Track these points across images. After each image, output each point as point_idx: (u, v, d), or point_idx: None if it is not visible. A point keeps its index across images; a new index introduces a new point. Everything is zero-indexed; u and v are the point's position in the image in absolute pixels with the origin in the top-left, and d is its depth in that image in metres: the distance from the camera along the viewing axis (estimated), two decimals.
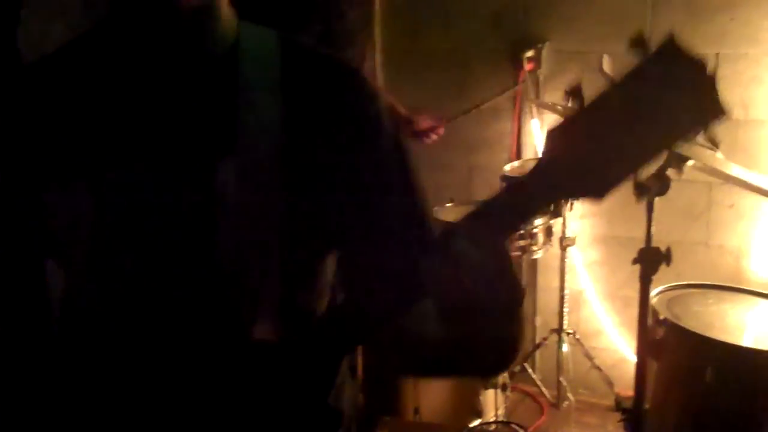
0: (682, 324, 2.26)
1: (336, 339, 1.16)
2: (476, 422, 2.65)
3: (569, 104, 1.04)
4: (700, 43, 3.55)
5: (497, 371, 1.21)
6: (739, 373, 2.19)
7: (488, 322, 1.09)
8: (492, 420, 2.78)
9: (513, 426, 2.74)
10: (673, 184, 3.69)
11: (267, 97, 1.12)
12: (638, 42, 1.01)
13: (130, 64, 1.14)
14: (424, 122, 3.44)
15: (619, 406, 1.97)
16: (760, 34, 3.45)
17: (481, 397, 2.77)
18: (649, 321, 2.33)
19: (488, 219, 1.04)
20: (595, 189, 1.02)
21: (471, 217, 1.06)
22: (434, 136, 3.44)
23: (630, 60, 1.02)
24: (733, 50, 3.50)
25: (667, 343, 2.28)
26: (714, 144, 1.09)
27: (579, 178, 1.02)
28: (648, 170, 1.86)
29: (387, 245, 1.16)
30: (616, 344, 3.86)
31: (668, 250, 1.76)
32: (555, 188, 1.03)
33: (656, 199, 3.61)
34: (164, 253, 1.12)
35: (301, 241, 1.14)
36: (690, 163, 2.04)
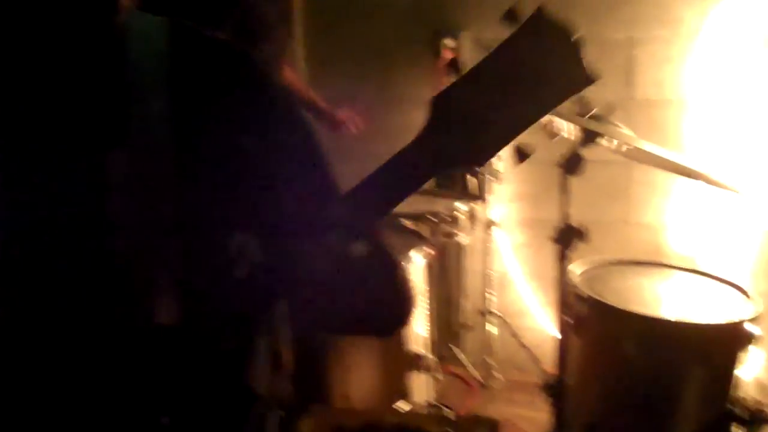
0: (602, 299, 2.31)
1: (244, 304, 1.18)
2: (405, 405, 2.67)
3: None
4: (613, 27, 3.65)
5: (390, 332, 1.25)
6: (658, 344, 2.25)
7: (369, 293, 1.14)
8: (422, 402, 2.80)
9: (442, 407, 2.77)
10: (593, 164, 3.78)
11: (157, 83, 1.11)
12: (510, 15, 1.06)
13: (22, 47, 1.12)
14: (344, 114, 3.46)
15: (545, 383, 2.01)
16: (672, 16, 3.54)
17: (409, 381, 2.79)
18: (571, 298, 2.39)
19: (372, 192, 1.07)
20: (473, 157, 1.05)
21: (354, 192, 1.09)
22: (355, 127, 3.46)
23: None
24: (647, 33, 3.58)
25: (589, 319, 2.33)
26: (587, 111, 1.13)
27: (457, 147, 1.05)
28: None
29: (284, 225, 1.18)
30: (542, 323, 3.93)
31: (583, 227, 1.80)
32: (435, 158, 1.06)
33: (578, 179, 3.73)
34: (57, 243, 1.11)
35: (200, 225, 1.15)
36: (605, 143, 2.10)
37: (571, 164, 1.78)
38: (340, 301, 1.19)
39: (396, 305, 1.23)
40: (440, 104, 1.11)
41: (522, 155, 1.26)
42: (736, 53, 3.47)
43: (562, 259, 1.81)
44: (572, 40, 1.04)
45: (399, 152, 1.12)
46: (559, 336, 2.01)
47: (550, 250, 1.99)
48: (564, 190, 1.79)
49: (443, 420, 2.14)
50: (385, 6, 3.95)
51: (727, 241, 3.63)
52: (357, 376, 2.68)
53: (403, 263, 1.22)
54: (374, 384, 2.74)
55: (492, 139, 1.05)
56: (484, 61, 1.07)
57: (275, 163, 1.19)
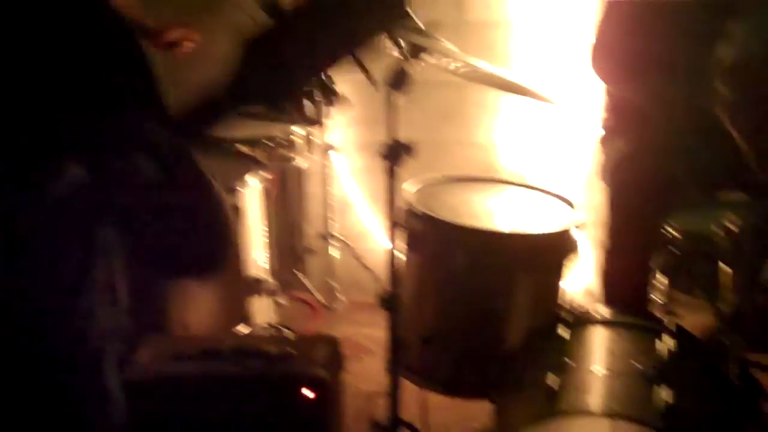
0: (433, 214, 2.36)
1: None
2: (245, 329, 2.67)
3: None
4: None
5: (212, 265, 1.24)
6: (487, 255, 2.32)
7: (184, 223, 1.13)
8: (263, 326, 2.81)
9: (282, 328, 2.79)
10: (427, 86, 3.83)
11: None
12: None
13: None
14: (174, 33, 3.34)
15: (380, 297, 2.04)
16: None
17: (250, 306, 2.79)
18: (405, 216, 2.43)
19: (186, 117, 1.06)
20: (282, 97, 1.06)
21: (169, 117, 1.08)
22: (188, 45, 3.34)
23: None
24: None
25: (422, 235, 2.37)
26: (412, 27, 1.15)
27: (265, 85, 1.05)
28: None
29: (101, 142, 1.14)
30: (384, 244, 3.99)
31: (410, 142, 1.82)
32: (244, 92, 1.06)
33: (413, 100, 3.76)
34: None
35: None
36: (431, 60, 2.12)
37: (397, 80, 1.79)
38: (157, 229, 1.16)
39: (214, 241, 1.22)
40: (251, 47, 1.10)
41: (329, 97, 1.27)
42: None
43: (391, 175, 1.83)
44: None
45: (213, 85, 1.10)
46: (392, 250, 2.04)
47: None
48: (391, 106, 1.80)
49: (283, 340, 2.16)
50: None
51: (558, 158, 3.78)
52: (195, 304, 2.66)
53: (222, 197, 1.18)
54: (213, 311, 2.73)
55: (298, 77, 1.06)
56: (295, 7, 1.07)
57: (99, 76, 1.15)
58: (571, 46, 3.58)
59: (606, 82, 2.80)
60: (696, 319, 2.47)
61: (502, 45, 3.66)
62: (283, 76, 1.05)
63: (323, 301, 3.89)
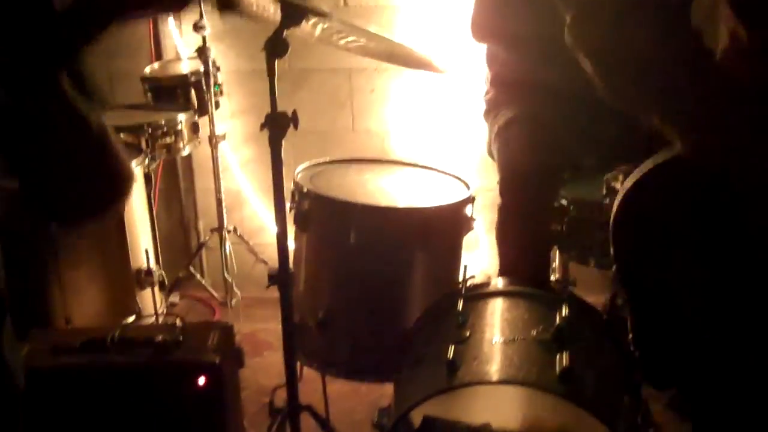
0: (323, 193, 2.31)
1: None
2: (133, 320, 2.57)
3: None
4: None
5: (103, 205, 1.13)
6: (380, 232, 2.28)
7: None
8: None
9: (172, 316, 2.70)
10: (316, 75, 3.79)
11: None
12: None
13: None
14: None
15: (271, 276, 1.97)
16: None
17: (138, 298, 2.69)
18: (296, 196, 2.37)
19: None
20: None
21: None
22: None
23: None
24: None
25: (313, 215, 2.32)
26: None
27: None
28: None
29: None
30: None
31: (294, 112, 1.76)
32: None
33: (305, 90, 3.72)
34: None
35: None
36: (311, 27, 2.06)
37: (275, 46, 1.73)
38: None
39: (89, 179, 1.12)
40: None
41: (225, 3, 1.20)
42: None
43: (275, 146, 1.77)
44: None
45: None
46: (278, 230, 1.97)
47: None
48: (270, 73, 1.74)
49: (172, 329, 2.07)
50: None
51: (451, 142, 3.77)
52: (79, 297, 2.55)
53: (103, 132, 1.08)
54: (99, 304, 2.62)
55: None
56: None
57: None
58: (455, 26, 3.58)
59: (487, 44, 2.79)
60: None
61: (387, 28, 3.64)
62: None
63: (219, 298, 3.79)
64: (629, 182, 1.61)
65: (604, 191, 1.97)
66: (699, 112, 1.40)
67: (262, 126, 1.77)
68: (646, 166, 1.63)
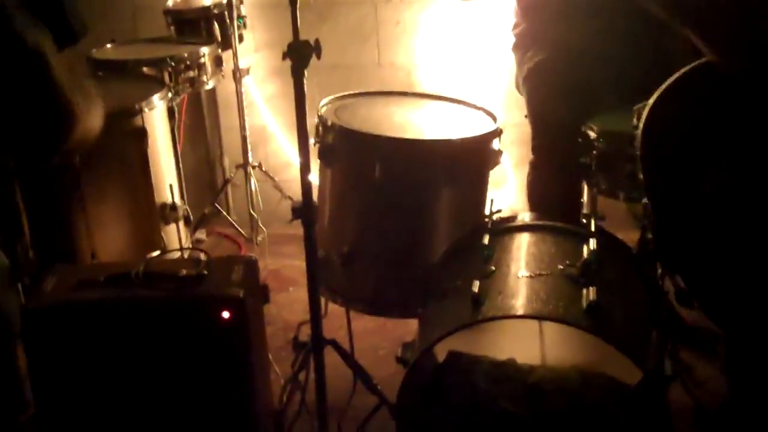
0: (347, 126, 2.27)
1: None
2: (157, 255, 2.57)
3: None
4: None
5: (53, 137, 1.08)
6: (407, 164, 2.24)
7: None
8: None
9: (197, 250, 2.69)
10: (341, 7, 3.73)
11: None
12: None
13: None
14: None
15: (295, 210, 1.94)
16: None
17: (162, 233, 2.69)
18: (320, 130, 2.34)
19: None
20: None
21: None
22: None
23: None
24: None
25: (337, 148, 2.28)
26: None
27: None
28: None
29: None
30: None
31: (317, 41, 1.72)
32: None
33: (330, 23, 3.66)
34: None
35: None
36: None
37: None
38: None
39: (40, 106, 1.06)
40: None
41: None
42: None
43: (298, 75, 1.73)
44: None
45: None
46: (300, 163, 1.94)
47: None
48: (292, 1, 1.69)
49: (197, 262, 2.06)
50: None
51: (480, 77, 3.71)
52: (104, 232, 2.55)
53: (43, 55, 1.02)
54: (124, 239, 2.62)
55: None
56: None
57: None
58: None
59: None
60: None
61: None
62: None
63: (246, 234, 3.78)
64: (659, 91, 1.57)
65: (635, 122, 1.92)
66: (730, 17, 1.35)
67: (284, 55, 1.73)
68: (675, 75, 1.59)
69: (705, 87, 1.43)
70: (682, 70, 1.61)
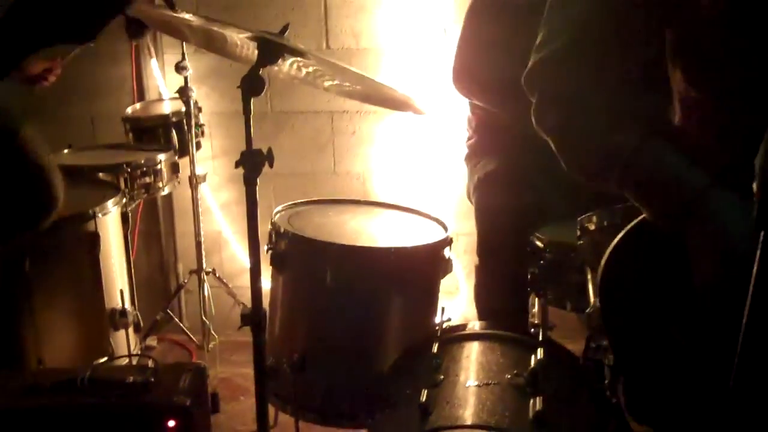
0: (300, 233, 2.30)
1: None
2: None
3: None
4: None
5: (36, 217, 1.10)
6: (358, 272, 2.26)
7: None
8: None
9: (145, 357, 2.66)
10: (298, 117, 3.81)
11: None
12: None
13: None
14: (36, 66, 3.20)
15: (244, 316, 1.95)
16: None
17: (112, 339, 2.66)
18: (273, 236, 2.36)
19: None
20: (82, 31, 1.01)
21: None
22: (51, 78, 3.20)
23: None
24: None
25: (290, 255, 2.31)
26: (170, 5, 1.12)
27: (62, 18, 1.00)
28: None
29: None
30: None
31: (270, 150, 1.76)
32: (40, 27, 0.99)
33: (287, 133, 3.73)
34: None
35: None
36: (287, 67, 2.06)
37: (251, 83, 1.73)
38: None
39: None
40: None
41: (134, 32, 1.21)
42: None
43: (250, 183, 1.76)
44: None
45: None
46: (251, 268, 1.95)
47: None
48: (246, 111, 1.73)
49: (144, 369, 2.04)
50: None
51: (432, 185, 3.78)
52: (51, 338, 2.51)
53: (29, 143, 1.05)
54: (72, 345, 2.58)
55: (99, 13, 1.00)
56: None
57: None
58: (437, 70, 3.61)
59: (469, 99, 2.84)
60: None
61: (371, 72, 3.66)
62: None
63: (197, 341, 3.74)
64: (606, 253, 1.62)
65: (579, 233, 1.97)
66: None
67: (237, 163, 1.77)
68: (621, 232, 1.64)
69: (655, 237, 1.47)
70: (632, 223, 1.65)
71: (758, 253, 1.04)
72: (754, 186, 1.05)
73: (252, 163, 1.74)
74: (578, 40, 1.44)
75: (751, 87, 1.29)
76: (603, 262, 1.56)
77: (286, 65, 2.00)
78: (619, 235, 1.56)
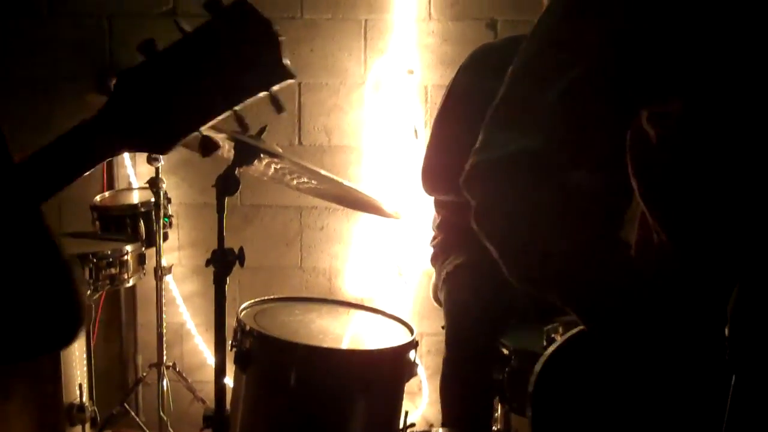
0: (265, 332, 2.28)
1: None
2: None
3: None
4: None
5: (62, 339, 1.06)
6: (322, 373, 2.25)
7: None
8: None
9: None
10: (267, 211, 3.82)
11: None
12: (211, 3, 1.03)
13: None
14: None
15: (206, 418, 1.92)
16: (337, 65, 3.69)
17: None
18: (238, 334, 2.34)
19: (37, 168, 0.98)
20: (159, 141, 1.01)
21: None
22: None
23: None
24: (314, 80, 3.70)
25: (254, 354, 2.28)
26: (279, 108, 1.12)
27: (143, 128, 1.00)
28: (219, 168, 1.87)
29: None
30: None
31: (241, 250, 1.76)
32: (117, 135, 1.00)
33: (254, 227, 3.74)
34: None
35: None
36: (263, 166, 2.08)
37: (226, 183, 1.74)
38: None
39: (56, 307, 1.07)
40: (127, 80, 1.04)
41: (208, 147, 1.21)
42: (396, 101, 3.68)
43: (219, 282, 1.76)
44: (273, 30, 1.03)
45: (77, 125, 1.03)
46: (215, 372, 1.93)
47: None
48: (219, 210, 1.74)
49: None
50: (48, 42, 3.76)
51: (400, 284, 3.78)
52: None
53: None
54: None
55: (178, 124, 1.00)
56: (182, 41, 1.03)
57: None
58: (407, 168, 3.65)
59: (436, 195, 2.86)
60: None
61: (342, 169, 3.70)
62: (166, 118, 0.99)
63: None
64: (538, 366, 1.59)
65: (545, 343, 1.98)
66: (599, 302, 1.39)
67: (208, 262, 1.76)
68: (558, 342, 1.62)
69: (589, 352, 1.45)
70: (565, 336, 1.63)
71: (729, 396, 1.04)
72: (726, 330, 1.05)
73: (223, 262, 1.74)
74: (528, 152, 1.36)
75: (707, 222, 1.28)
76: (536, 372, 1.52)
77: (262, 165, 2.02)
78: (553, 346, 1.53)
